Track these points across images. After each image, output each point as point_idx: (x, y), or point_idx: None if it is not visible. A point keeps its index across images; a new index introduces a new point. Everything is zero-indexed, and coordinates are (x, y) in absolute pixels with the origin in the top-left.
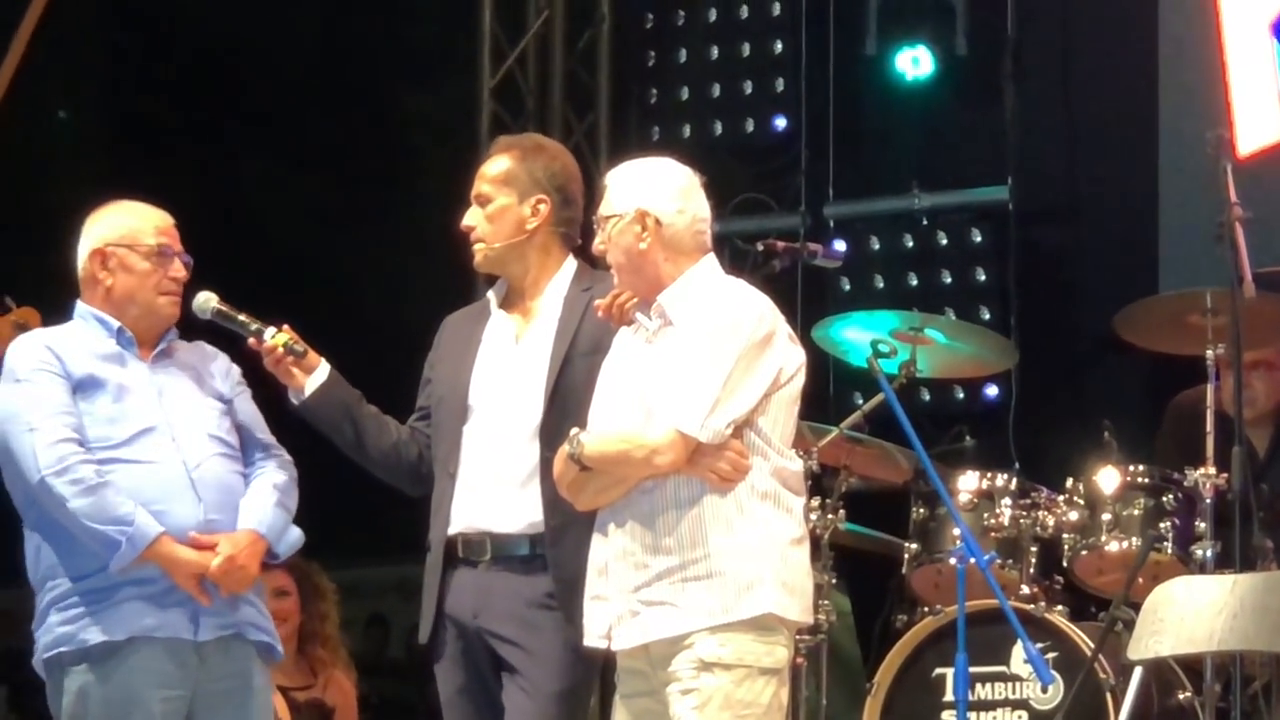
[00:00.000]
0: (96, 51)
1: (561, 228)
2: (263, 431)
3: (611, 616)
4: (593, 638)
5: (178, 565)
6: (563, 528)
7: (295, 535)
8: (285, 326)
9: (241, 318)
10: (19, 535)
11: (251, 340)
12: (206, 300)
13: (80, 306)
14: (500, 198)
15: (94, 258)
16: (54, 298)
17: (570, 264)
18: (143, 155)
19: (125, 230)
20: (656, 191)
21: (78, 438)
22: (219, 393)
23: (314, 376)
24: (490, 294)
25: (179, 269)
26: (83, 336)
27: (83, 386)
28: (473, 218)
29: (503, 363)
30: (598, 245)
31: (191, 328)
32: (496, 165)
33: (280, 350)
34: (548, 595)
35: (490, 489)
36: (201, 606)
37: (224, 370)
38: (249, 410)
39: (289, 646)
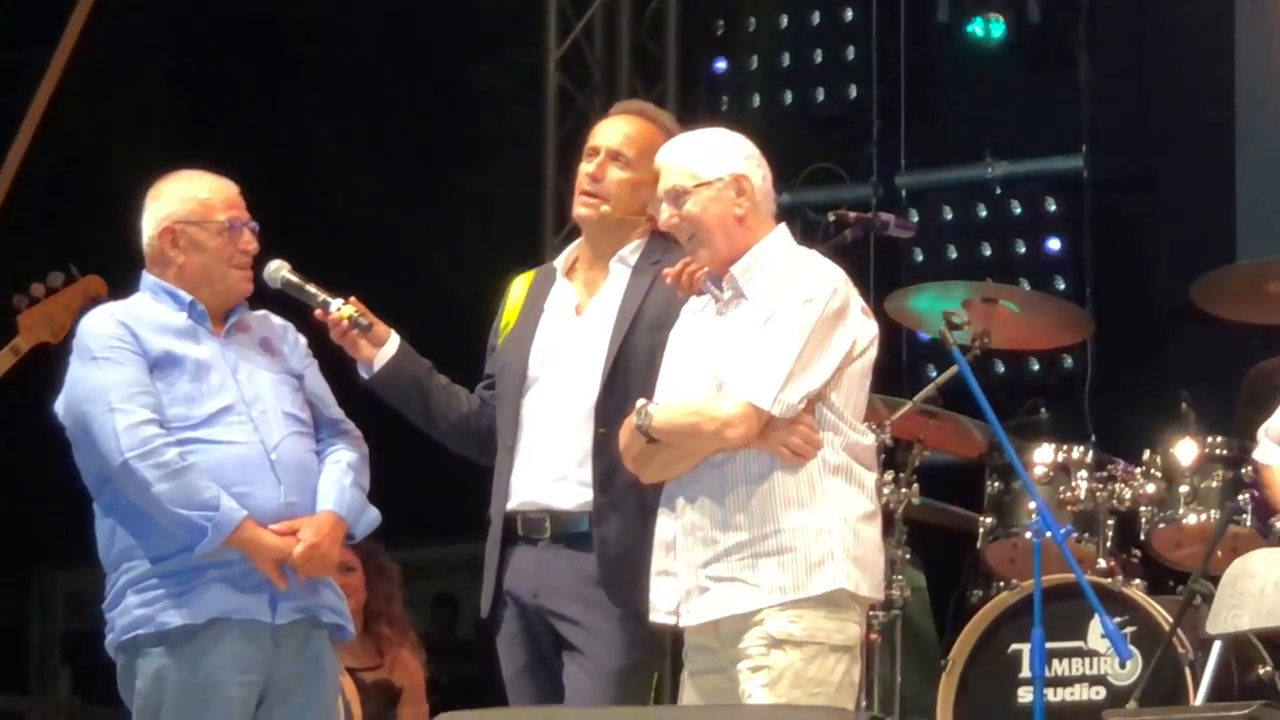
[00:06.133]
0: (163, 24)
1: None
2: (332, 406)
3: (680, 593)
4: (660, 614)
5: (260, 550)
6: (610, 506)
7: (372, 515)
8: (352, 299)
9: (310, 288)
10: (87, 516)
11: (318, 311)
12: (278, 269)
13: (147, 279)
14: (641, 173)
15: (164, 236)
16: (121, 270)
17: (644, 236)
18: (209, 127)
19: (194, 206)
20: (744, 157)
21: (159, 418)
22: (291, 368)
23: (383, 350)
24: (557, 262)
25: (250, 241)
26: (154, 311)
27: (159, 364)
28: (612, 175)
29: (564, 335)
30: (668, 219)
31: (260, 297)
32: (646, 137)
33: (346, 323)
34: None
35: (548, 465)
36: (279, 590)
37: (292, 342)
38: (318, 384)
39: (354, 626)
